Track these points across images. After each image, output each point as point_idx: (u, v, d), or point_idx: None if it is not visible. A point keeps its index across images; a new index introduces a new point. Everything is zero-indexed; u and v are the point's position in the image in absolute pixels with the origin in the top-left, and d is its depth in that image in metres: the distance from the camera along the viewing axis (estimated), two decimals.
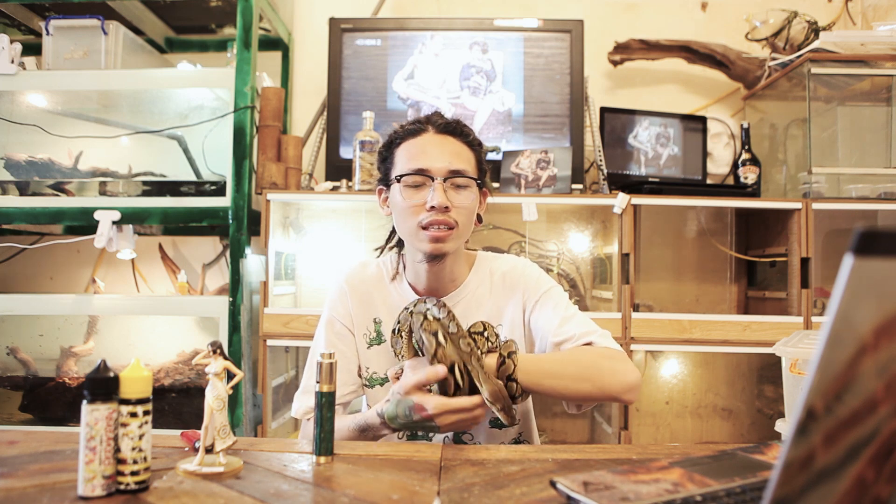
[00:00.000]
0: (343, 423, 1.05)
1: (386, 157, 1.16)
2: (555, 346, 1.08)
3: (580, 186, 2.12)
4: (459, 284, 1.17)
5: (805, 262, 1.97)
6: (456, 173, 1.08)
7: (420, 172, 1.08)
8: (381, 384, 1.15)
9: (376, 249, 1.27)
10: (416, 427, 0.97)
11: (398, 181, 1.10)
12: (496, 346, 1.03)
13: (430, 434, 1.12)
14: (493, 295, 1.17)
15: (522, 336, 1.15)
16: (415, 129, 1.13)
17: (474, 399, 0.92)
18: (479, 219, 1.18)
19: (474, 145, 1.15)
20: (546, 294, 1.15)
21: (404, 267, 1.19)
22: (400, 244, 1.21)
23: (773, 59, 2.25)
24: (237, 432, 1.97)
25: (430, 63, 2.23)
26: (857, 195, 2.02)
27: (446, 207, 1.06)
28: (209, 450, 0.76)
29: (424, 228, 1.07)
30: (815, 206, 1.97)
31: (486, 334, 1.04)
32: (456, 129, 1.13)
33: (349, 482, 0.74)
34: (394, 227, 1.19)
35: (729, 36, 2.44)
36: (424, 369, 0.94)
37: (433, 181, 1.07)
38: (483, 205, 1.18)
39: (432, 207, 1.05)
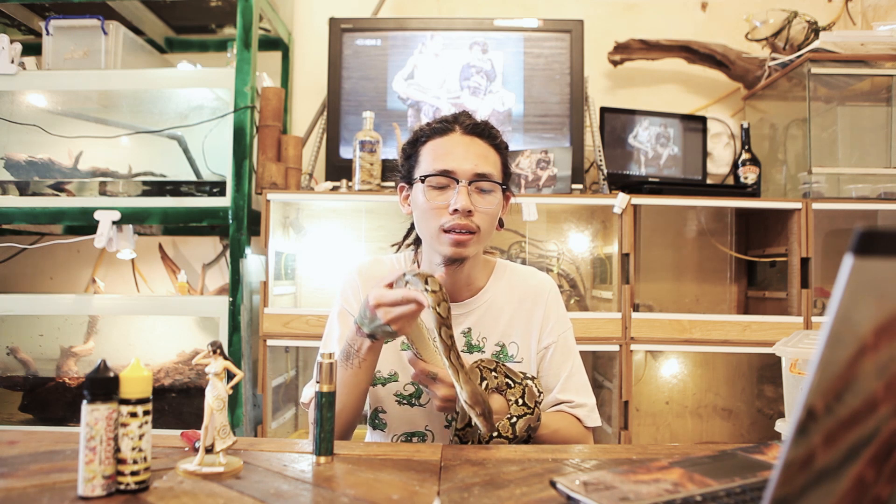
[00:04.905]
0: None
1: (410, 154, 1.13)
2: (555, 399, 1.14)
3: (580, 186, 2.12)
4: (477, 291, 1.16)
5: (805, 262, 1.97)
6: (481, 177, 1.06)
7: (445, 174, 1.06)
8: (384, 384, 1.14)
9: (393, 245, 1.26)
10: (376, 328, 0.94)
11: (422, 181, 1.07)
12: (505, 385, 1.03)
13: (426, 438, 1.12)
14: (510, 308, 1.17)
15: (529, 354, 1.16)
16: (442, 128, 1.10)
17: (408, 294, 0.89)
18: (501, 223, 1.16)
19: (501, 148, 1.13)
20: (564, 335, 1.18)
21: (419, 267, 1.18)
22: (417, 242, 1.19)
23: (773, 59, 2.25)
24: (237, 432, 1.97)
25: (430, 63, 2.23)
26: (857, 195, 2.02)
27: (469, 211, 1.04)
28: (209, 450, 0.76)
29: (446, 232, 1.05)
30: (815, 206, 1.97)
31: (495, 373, 1.03)
32: (484, 131, 1.11)
33: (349, 482, 0.74)
34: (412, 224, 1.18)
35: (729, 36, 2.44)
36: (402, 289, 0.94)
37: (458, 183, 1.05)
38: (506, 209, 1.16)
39: (455, 210, 1.03)
